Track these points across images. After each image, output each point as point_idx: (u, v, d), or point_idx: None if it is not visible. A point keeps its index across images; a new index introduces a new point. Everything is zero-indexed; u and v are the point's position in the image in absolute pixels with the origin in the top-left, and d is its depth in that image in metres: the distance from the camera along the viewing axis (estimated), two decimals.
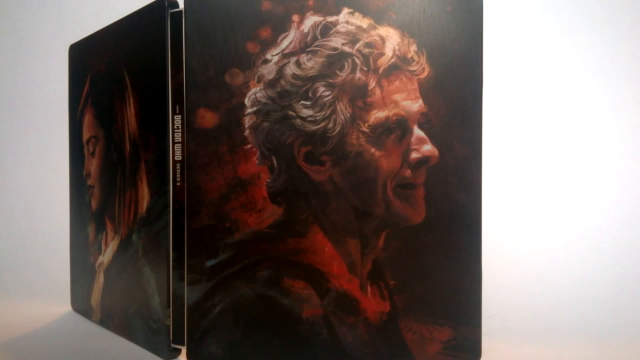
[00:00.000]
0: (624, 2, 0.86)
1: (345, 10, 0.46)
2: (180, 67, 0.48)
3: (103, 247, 0.59)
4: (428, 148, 0.46)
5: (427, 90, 0.46)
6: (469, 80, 0.46)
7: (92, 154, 0.61)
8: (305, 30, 0.46)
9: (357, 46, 0.46)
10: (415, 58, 0.46)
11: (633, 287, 0.72)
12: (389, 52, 0.46)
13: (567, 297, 0.69)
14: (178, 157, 0.49)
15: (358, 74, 0.46)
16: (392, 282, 0.47)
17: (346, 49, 0.46)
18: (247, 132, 0.47)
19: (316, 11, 0.46)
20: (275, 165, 0.46)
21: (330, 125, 0.46)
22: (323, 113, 0.46)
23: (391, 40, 0.46)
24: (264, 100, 0.46)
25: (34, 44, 1.01)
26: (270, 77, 0.46)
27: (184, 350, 0.49)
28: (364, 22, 0.46)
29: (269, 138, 0.46)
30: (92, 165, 0.61)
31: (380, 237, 0.46)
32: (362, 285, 0.47)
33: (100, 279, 0.60)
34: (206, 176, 0.47)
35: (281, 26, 0.46)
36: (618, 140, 0.86)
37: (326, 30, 0.46)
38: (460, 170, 0.46)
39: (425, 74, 0.46)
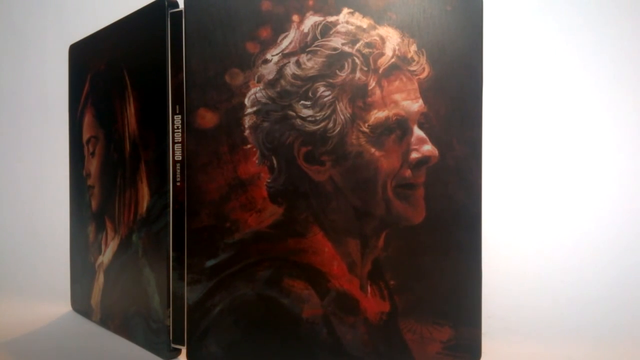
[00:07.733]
0: (623, 2, 0.86)
1: (345, 10, 0.46)
2: (180, 67, 0.48)
3: (103, 247, 0.59)
4: (428, 148, 0.46)
5: (427, 90, 0.46)
6: (469, 80, 0.46)
7: (92, 154, 0.61)
8: (305, 30, 0.46)
9: (357, 46, 0.46)
10: (415, 58, 0.46)
11: (633, 287, 0.72)
12: (389, 52, 0.46)
13: (567, 297, 0.69)
14: (178, 157, 0.49)
15: (358, 74, 0.46)
16: (392, 282, 0.47)
17: (346, 49, 0.46)
18: (247, 132, 0.46)
19: (316, 11, 0.46)
20: (275, 165, 0.46)
21: (330, 125, 0.46)
22: (323, 113, 0.46)
23: (391, 40, 0.46)
24: (264, 100, 0.46)
25: (34, 44, 1.01)
26: (270, 77, 0.46)
27: (184, 350, 0.49)
28: (364, 22, 0.46)
29: (269, 138, 0.46)
30: (92, 165, 0.61)
31: (380, 237, 0.46)
32: (362, 285, 0.47)
33: (100, 279, 0.60)
34: (206, 176, 0.47)
35: (281, 26, 0.46)
36: (618, 140, 0.86)
37: (326, 30, 0.46)
38: (460, 170, 0.46)
39: (425, 74, 0.46)
